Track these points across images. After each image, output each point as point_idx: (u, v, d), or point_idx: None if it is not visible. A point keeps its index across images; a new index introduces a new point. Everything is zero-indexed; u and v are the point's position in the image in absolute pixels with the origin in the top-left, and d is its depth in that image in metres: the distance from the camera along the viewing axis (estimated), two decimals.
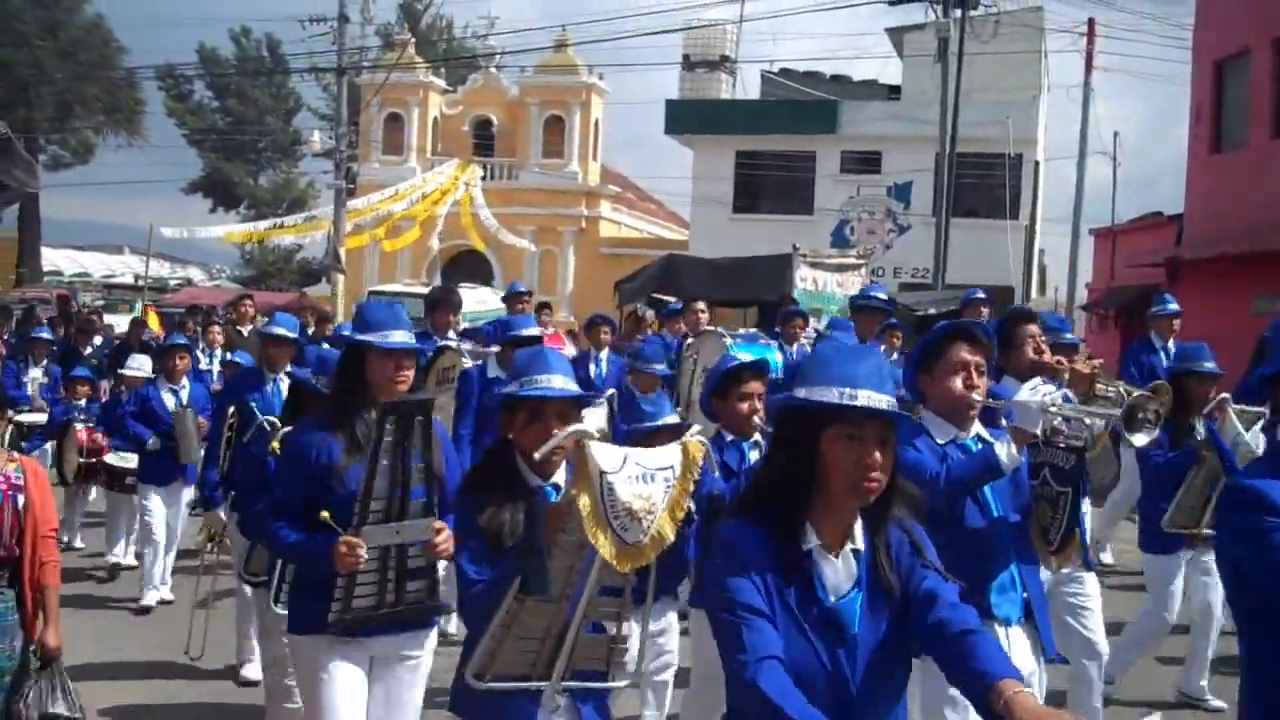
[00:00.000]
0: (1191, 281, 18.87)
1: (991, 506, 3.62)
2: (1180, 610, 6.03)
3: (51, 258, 39.86)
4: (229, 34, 49.41)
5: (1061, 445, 3.78)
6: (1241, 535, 2.69)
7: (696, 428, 2.95)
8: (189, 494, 8.04)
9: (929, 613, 2.33)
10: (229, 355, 10.22)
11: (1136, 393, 4.10)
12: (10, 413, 9.49)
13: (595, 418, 7.35)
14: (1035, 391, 3.58)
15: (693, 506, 2.84)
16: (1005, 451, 3.48)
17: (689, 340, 9.27)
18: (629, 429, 5.01)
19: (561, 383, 3.12)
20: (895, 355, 8.46)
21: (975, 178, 25.87)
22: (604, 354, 9.74)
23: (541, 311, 12.33)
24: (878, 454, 2.30)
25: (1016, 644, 3.56)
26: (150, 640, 7.05)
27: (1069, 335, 6.87)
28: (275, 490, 3.73)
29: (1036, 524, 3.81)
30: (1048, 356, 4.56)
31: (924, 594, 2.36)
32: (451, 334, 8.11)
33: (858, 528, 2.39)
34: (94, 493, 9.69)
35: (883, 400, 2.31)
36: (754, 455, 4.41)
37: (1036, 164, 28.45)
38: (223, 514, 6.23)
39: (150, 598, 7.64)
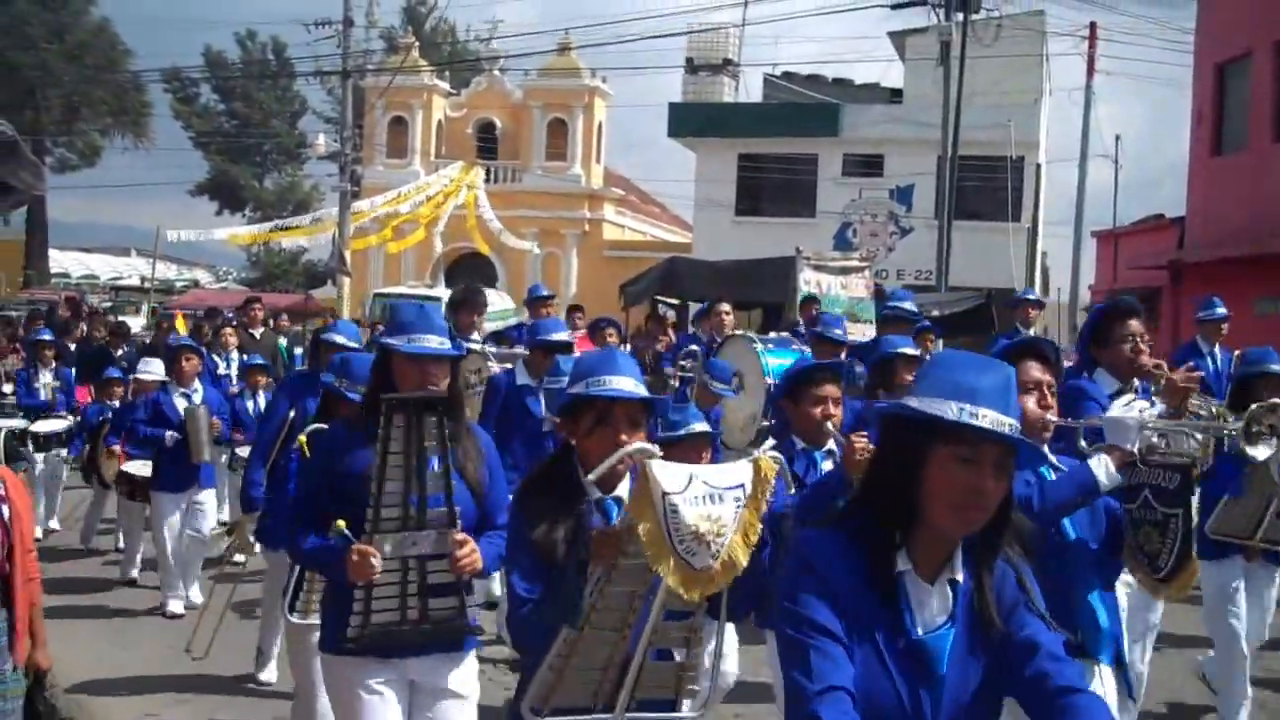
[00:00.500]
0: (1193, 284, 18.94)
1: (1069, 532, 3.39)
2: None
3: (59, 260, 40.01)
4: (235, 37, 49.57)
5: (1160, 463, 3.47)
6: None
7: (769, 443, 2.91)
8: (209, 496, 7.86)
9: (1028, 663, 2.09)
10: (245, 358, 10.21)
11: (1254, 404, 3.74)
12: (24, 422, 9.44)
13: None
14: (1130, 407, 3.37)
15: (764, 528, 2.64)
16: (1103, 470, 3.27)
17: (719, 344, 9.13)
18: (657, 438, 4.83)
19: (631, 385, 2.88)
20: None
21: (977, 180, 25.94)
22: None
23: (574, 315, 12.10)
24: (992, 481, 2.04)
25: (1107, 687, 3.32)
26: (170, 646, 6.94)
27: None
28: (298, 493, 3.59)
29: (1139, 551, 3.52)
30: (1146, 359, 4.27)
31: (1025, 640, 2.12)
32: (476, 336, 7.95)
33: (958, 557, 2.14)
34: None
35: (1006, 423, 2.04)
36: (826, 465, 4.12)
37: (1038, 167, 28.53)
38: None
39: (175, 606, 7.48)
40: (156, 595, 7.81)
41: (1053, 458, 3.46)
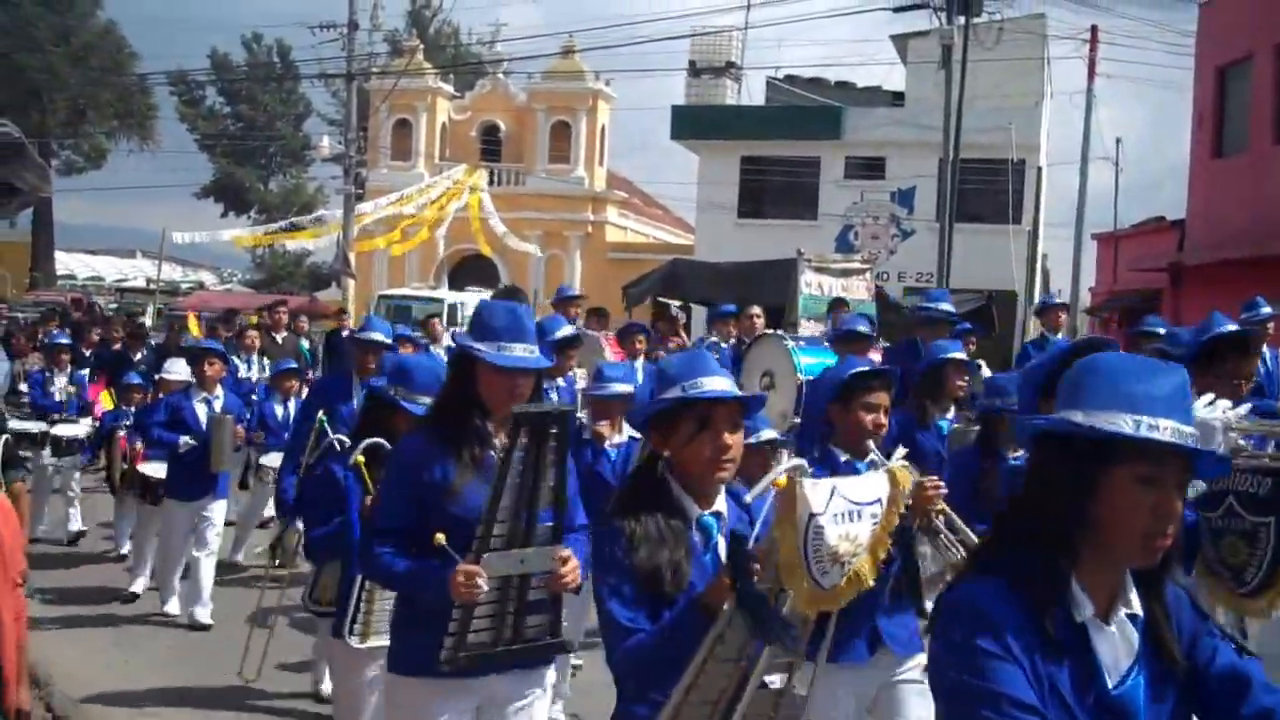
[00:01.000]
0: (1193, 286, 19.02)
1: None
2: None
3: (65, 261, 40.17)
4: (240, 40, 49.80)
5: (1248, 467, 3.22)
6: None
7: (901, 451, 2.65)
8: (221, 508, 7.62)
9: (1243, 699, 1.85)
10: (265, 361, 9.99)
11: None
12: (44, 425, 9.37)
13: None
14: (1214, 407, 3.16)
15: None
16: None
17: (748, 345, 8.90)
18: None
19: (728, 384, 2.68)
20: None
21: (979, 183, 26.02)
22: (639, 363, 8.94)
23: (593, 317, 11.72)
24: (1179, 502, 1.82)
25: None
26: (169, 648, 6.96)
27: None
28: (381, 511, 3.28)
29: (1220, 564, 3.30)
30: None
31: (1224, 671, 1.88)
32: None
33: (1130, 588, 1.89)
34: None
35: (1188, 433, 1.81)
36: None
37: (1039, 169, 28.62)
38: (300, 524, 5.68)
39: (172, 606, 7.35)
40: (157, 598, 7.70)
41: None
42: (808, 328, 13.06)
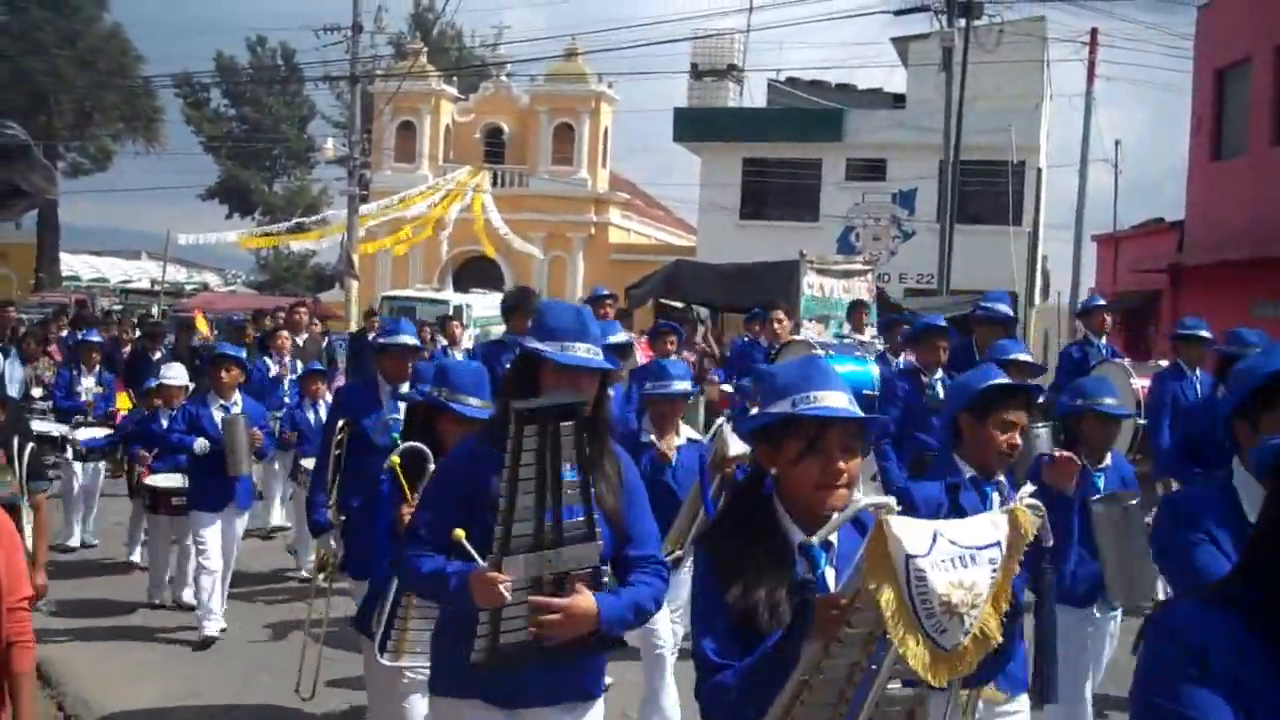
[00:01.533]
0: (1192, 287, 19.13)
1: None
2: None
3: (70, 263, 40.27)
4: (245, 43, 49.92)
5: None
6: None
7: (1029, 488, 2.38)
8: (243, 519, 7.37)
9: None
10: (312, 364, 9.70)
11: None
12: (65, 428, 9.24)
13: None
14: None
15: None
16: None
17: (776, 351, 8.59)
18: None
19: (846, 401, 2.40)
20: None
21: (979, 185, 26.15)
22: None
23: (622, 319, 11.13)
24: None
25: None
26: (179, 643, 6.96)
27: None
28: (420, 516, 3.10)
29: None
30: None
31: None
32: None
33: None
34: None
35: None
36: (995, 499, 3.53)
37: (1039, 171, 28.75)
38: (332, 540, 5.56)
39: (211, 628, 6.97)
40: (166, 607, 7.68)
41: None
42: (809, 329, 13.16)
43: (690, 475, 5.06)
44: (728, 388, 9.38)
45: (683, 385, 5.30)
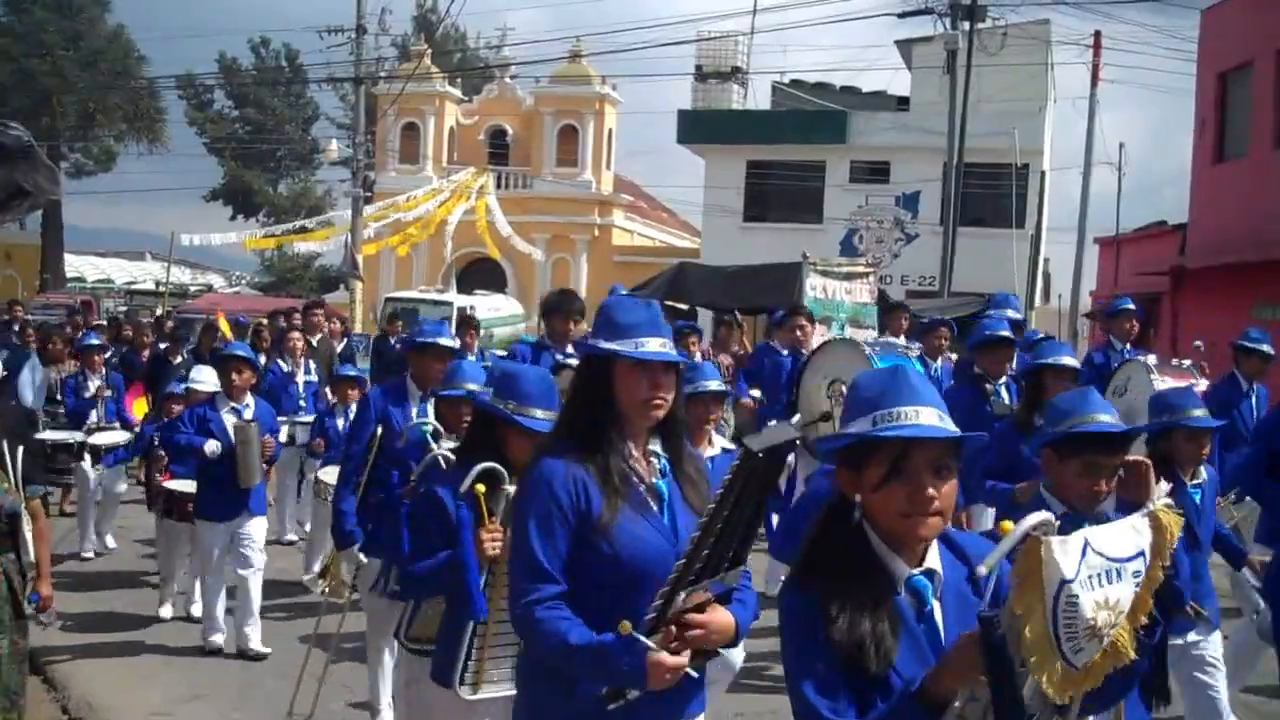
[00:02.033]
0: (1193, 289, 19.17)
1: None
2: None
3: (74, 264, 40.37)
4: (248, 44, 50.04)
5: None
6: None
7: (1164, 487, 2.19)
8: (260, 525, 6.89)
9: None
10: (345, 368, 9.35)
11: None
12: (80, 434, 8.98)
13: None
14: None
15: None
16: None
17: (810, 351, 8.09)
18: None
19: (936, 417, 2.12)
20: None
21: (982, 187, 26.21)
22: None
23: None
24: None
25: None
26: (182, 645, 6.89)
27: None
28: (533, 547, 2.65)
29: None
30: None
31: None
32: (571, 348, 6.90)
33: None
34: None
35: None
36: None
37: (1043, 174, 28.81)
38: (359, 553, 5.29)
39: (216, 639, 6.73)
40: (178, 619, 7.54)
41: None
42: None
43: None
44: (756, 393, 9.06)
45: (716, 384, 4.95)
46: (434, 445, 4.16)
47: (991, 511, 5.96)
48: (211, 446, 6.60)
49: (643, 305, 2.83)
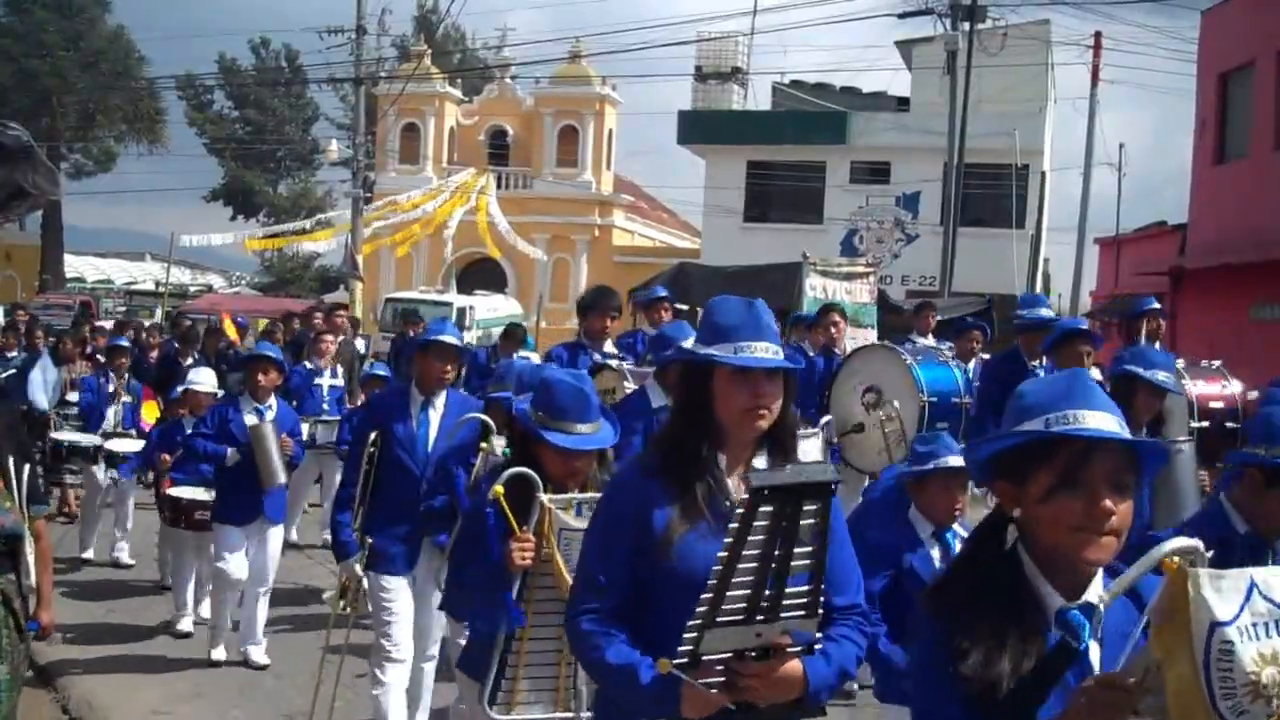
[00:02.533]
0: (1193, 289, 19.16)
1: None
2: None
3: (74, 264, 40.43)
4: (248, 45, 50.05)
5: None
6: None
7: None
8: (277, 536, 6.67)
9: None
10: (375, 367, 9.03)
11: None
12: (98, 439, 8.78)
13: (812, 448, 6.16)
14: None
15: None
16: None
17: (846, 355, 7.94)
18: (909, 472, 3.86)
19: (1114, 422, 1.88)
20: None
21: (982, 188, 26.24)
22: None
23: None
24: None
25: None
26: (181, 644, 6.82)
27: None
28: (592, 564, 2.54)
29: None
30: None
31: None
32: (609, 347, 6.65)
33: None
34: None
35: None
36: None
37: (1043, 174, 28.83)
38: (358, 566, 5.08)
39: (219, 653, 6.53)
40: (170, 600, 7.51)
41: None
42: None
43: None
44: None
45: None
46: (491, 444, 3.97)
47: None
48: (232, 456, 6.40)
49: (744, 305, 2.57)
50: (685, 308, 20.15)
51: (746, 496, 2.12)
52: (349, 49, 27.11)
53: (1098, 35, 24.31)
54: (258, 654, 6.52)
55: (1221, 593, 1.60)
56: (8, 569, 4.12)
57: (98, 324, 18.53)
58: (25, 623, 4.14)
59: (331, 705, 5.29)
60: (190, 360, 11.43)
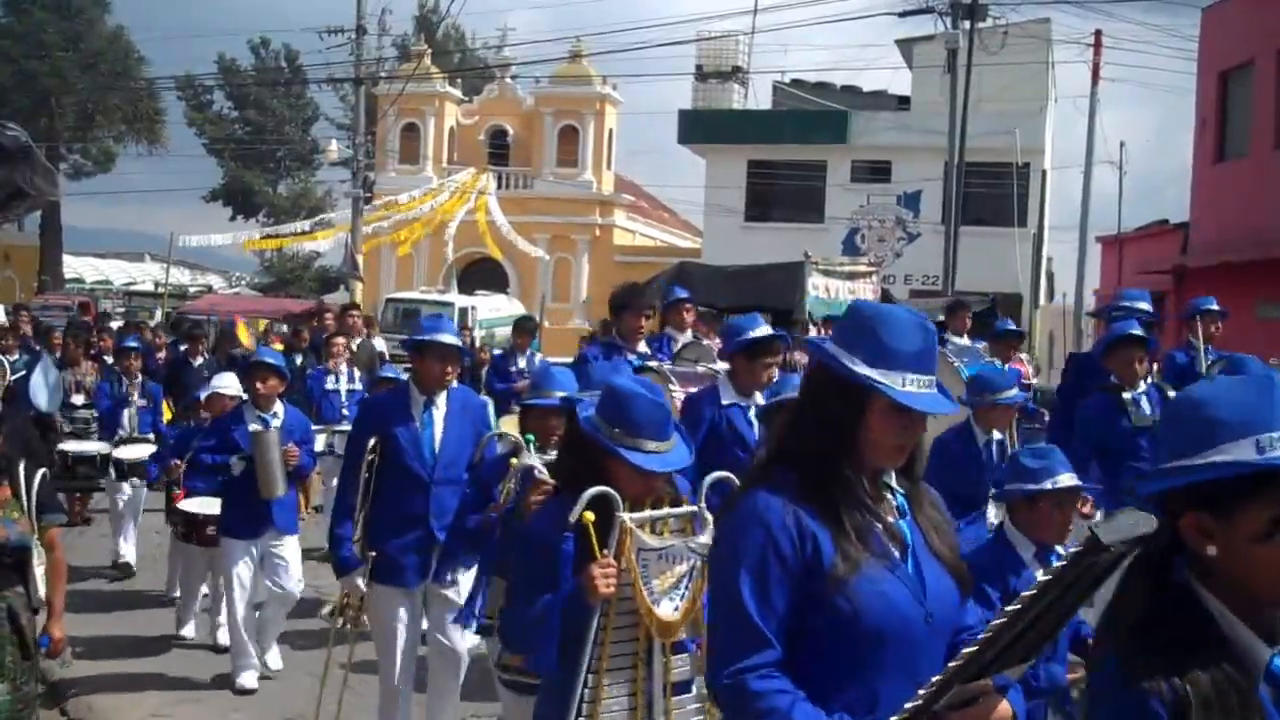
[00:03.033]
0: (1195, 288, 19.10)
1: None
2: None
3: (73, 265, 40.38)
4: (248, 45, 50.02)
5: None
6: None
7: None
8: (293, 545, 6.32)
9: None
10: (387, 369, 8.80)
11: None
12: (105, 446, 8.58)
13: None
14: None
15: None
16: None
17: None
18: (1006, 490, 3.63)
19: None
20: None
21: (984, 187, 26.21)
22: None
23: (702, 323, 9.66)
24: None
25: None
26: (182, 646, 6.81)
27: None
28: (742, 610, 2.12)
29: None
30: None
31: None
32: (644, 347, 6.42)
33: None
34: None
35: None
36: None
37: (1044, 173, 28.81)
38: (361, 581, 4.85)
39: (247, 679, 6.17)
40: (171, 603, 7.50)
41: None
42: (816, 332, 13.12)
43: None
44: None
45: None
46: (527, 453, 3.74)
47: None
48: (237, 465, 6.13)
49: (920, 330, 2.20)
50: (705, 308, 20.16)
51: (1079, 549, 1.67)
52: (349, 49, 27.09)
53: (1098, 34, 24.29)
54: (271, 659, 6.37)
55: None
56: (15, 582, 3.94)
57: (110, 324, 18.24)
58: (35, 639, 3.95)
59: (339, 709, 5.21)
60: (200, 361, 11.15)
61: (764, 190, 30.29)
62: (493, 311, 26.34)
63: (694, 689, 3.02)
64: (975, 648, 1.80)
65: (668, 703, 2.97)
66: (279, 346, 11.46)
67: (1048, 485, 3.49)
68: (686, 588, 2.97)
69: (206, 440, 6.42)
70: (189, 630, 7.00)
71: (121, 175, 45.62)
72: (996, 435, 5.71)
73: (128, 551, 8.47)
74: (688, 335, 7.71)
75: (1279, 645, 1.59)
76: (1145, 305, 7.21)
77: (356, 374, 9.64)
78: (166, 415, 8.91)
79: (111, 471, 8.48)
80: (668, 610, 2.89)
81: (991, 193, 26.73)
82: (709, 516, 2.99)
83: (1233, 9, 19.46)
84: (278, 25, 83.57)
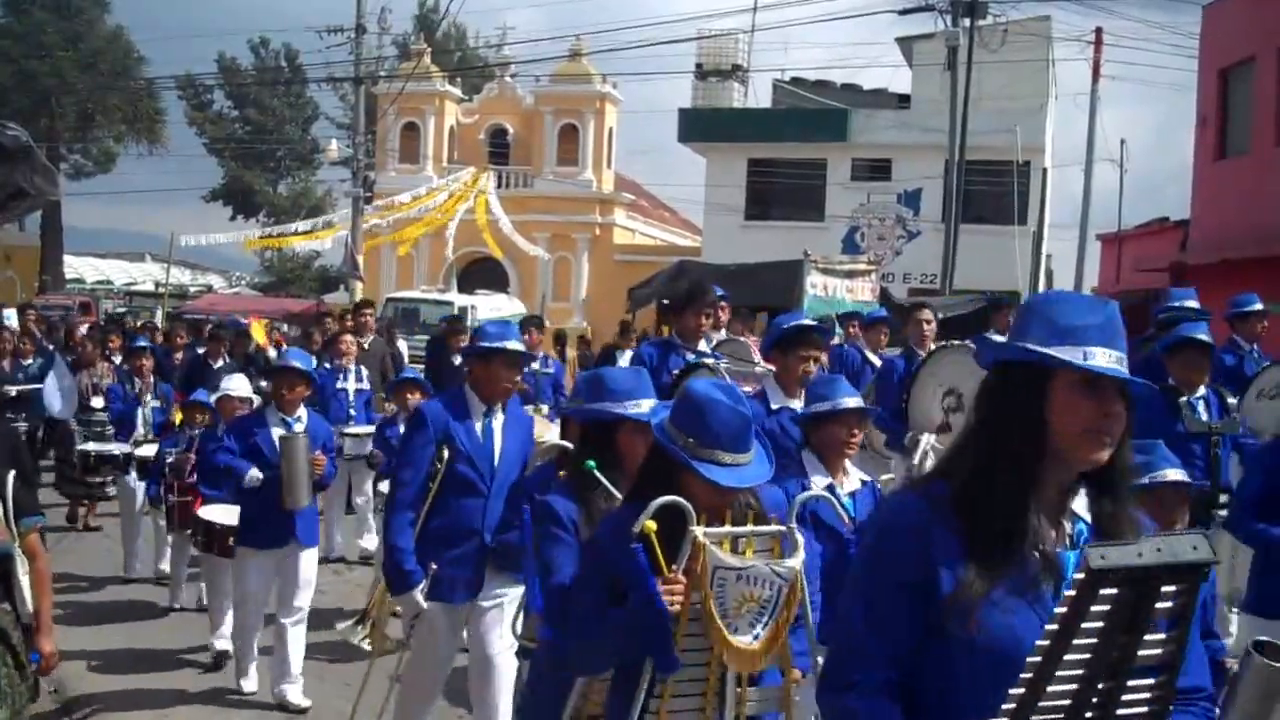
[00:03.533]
0: (1196, 285, 19.12)
1: None
2: None
3: (74, 265, 40.38)
4: (248, 44, 50.04)
5: None
6: None
7: None
8: (311, 560, 6.04)
9: None
10: (407, 371, 8.60)
11: None
12: (127, 447, 8.44)
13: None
14: None
15: None
16: None
17: (925, 357, 7.46)
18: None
19: None
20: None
21: (984, 185, 26.19)
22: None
23: (736, 320, 9.48)
24: None
25: None
26: (183, 650, 6.77)
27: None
28: (852, 626, 2.02)
29: None
30: None
31: None
32: (704, 345, 6.24)
33: None
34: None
35: None
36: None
37: (1044, 171, 28.78)
38: (420, 597, 4.58)
39: (249, 685, 6.09)
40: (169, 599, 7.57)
41: None
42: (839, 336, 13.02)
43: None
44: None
45: (855, 400, 4.08)
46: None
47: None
48: (253, 478, 5.83)
49: (1097, 303, 2.02)
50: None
51: (1082, 577, 1.64)
52: (349, 48, 27.07)
53: (1098, 31, 24.25)
54: (294, 694, 5.90)
55: None
56: (0, 598, 3.65)
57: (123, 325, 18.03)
58: (27, 656, 3.69)
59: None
60: (221, 363, 10.92)
61: (764, 189, 30.27)
62: (493, 311, 26.29)
63: None
64: (1013, 701, 1.72)
65: None
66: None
67: (1147, 480, 3.38)
68: (771, 616, 2.71)
69: (226, 444, 6.11)
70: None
71: (122, 175, 45.69)
72: None
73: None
74: (722, 333, 7.62)
75: None
76: (1194, 304, 7.02)
77: (365, 374, 9.39)
78: (177, 417, 8.49)
79: (134, 472, 8.27)
80: (745, 639, 2.66)
81: (992, 191, 26.71)
82: (800, 538, 2.80)
83: (1233, 6, 19.43)
84: (277, 25, 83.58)
